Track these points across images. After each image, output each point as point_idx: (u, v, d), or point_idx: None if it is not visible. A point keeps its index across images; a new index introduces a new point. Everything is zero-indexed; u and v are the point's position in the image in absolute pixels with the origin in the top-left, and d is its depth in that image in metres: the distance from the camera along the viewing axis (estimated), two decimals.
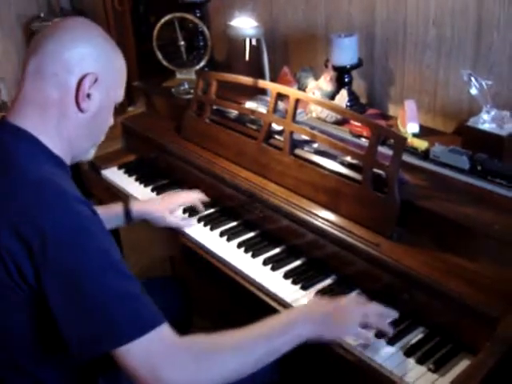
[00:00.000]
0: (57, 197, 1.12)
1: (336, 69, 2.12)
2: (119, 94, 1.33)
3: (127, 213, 1.82)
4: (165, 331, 1.12)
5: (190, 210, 1.94)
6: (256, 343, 1.20)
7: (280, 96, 1.87)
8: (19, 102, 1.23)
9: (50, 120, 1.21)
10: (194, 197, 1.94)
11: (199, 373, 1.12)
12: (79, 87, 1.20)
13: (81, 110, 1.23)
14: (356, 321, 1.31)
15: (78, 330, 1.09)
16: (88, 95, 1.22)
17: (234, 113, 2.10)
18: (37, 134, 1.21)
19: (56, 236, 1.07)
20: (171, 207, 1.87)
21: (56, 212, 1.10)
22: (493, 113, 1.72)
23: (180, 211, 1.93)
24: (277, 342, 1.22)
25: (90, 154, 1.39)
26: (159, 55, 2.61)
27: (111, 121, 1.36)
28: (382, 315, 1.35)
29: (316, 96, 2.10)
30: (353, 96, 2.13)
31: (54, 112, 1.21)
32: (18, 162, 1.16)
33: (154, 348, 1.09)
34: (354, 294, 1.49)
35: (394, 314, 1.38)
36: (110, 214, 1.78)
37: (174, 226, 1.86)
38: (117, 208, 1.82)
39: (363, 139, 1.86)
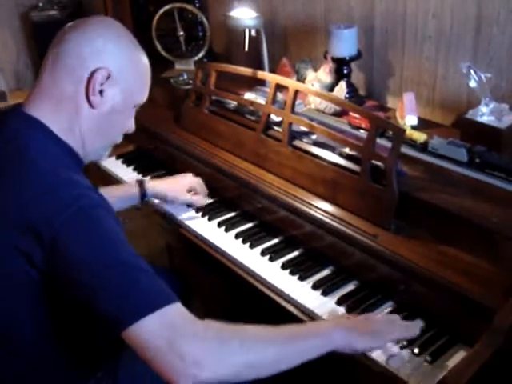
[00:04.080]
0: (65, 187, 1.11)
1: (335, 60, 2.12)
2: (139, 98, 1.32)
3: (143, 194, 1.85)
4: (182, 308, 1.10)
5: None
6: (286, 339, 1.15)
7: (279, 87, 1.87)
8: (36, 92, 1.23)
9: (64, 113, 1.21)
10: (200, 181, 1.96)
11: (220, 349, 1.06)
12: (90, 80, 1.20)
13: (91, 105, 1.22)
14: (382, 331, 1.27)
15: (99, 310, 1.06)
16: (101, 92, 1.21)
17: (232, 104, 2.10)
18: (50, 124, 1.20)
19: (64, 221, 1.07)
20: (184, 187, 1.90)
21: (64, 199, 1.09)
22: (491, 105, 1.72)
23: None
24: (307, 343, 1.18)
25: (103, 156, 1.38)
26: (158, 45, 2.60)
27: (130, 125, 1.35)
28: (408, 327, 1.31)
29: (315, 87, 2.10)
30: (352, 88, 2.13)
31: (68, 105, 1.21)
32: (30, 152, 1.15)
33: (173, 320, 1.06)
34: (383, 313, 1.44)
35: (419, 324, 1.33)
36: (125, 194, 1.82)
37: (188, 203, 1.90)
38: (132, 189, 1.84)
39: (362, 131, 1.86)
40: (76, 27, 1.23)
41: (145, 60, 1.32)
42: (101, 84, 1.21)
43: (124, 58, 1.24)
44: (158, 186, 1.89)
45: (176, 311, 1.08)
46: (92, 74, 1.19)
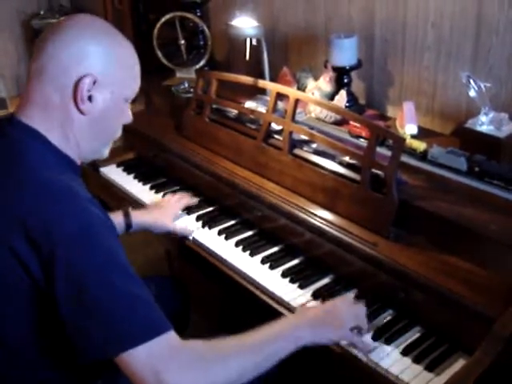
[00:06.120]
0: (66, 197, 1.11)
1: (335, 69, 2.13)
2: (129, 92, 1.29)
3: (128, 224, 1.78)
4: (172, 337, 1.11)
5: (187, 209, 1.95)
6: (258, 347, 1.20)
7: (279, 96, 1.87)
8: (26, 101, 1.21)
9: (55, 122, 1.20)
10: (185, 201, 1.95)
11: (204, 377, 1.10)
12: (76, 90, 1.17)
13: (82, 112, 1.20)
14: (349, 323, 1.33)
15: (86, 332, 1.07)
16: (89, 97, 1.19)
17: (233, 112, 2.10)
18: (45, 133, 1.20)
19: (65, 236, 1.06)
20: (171, 216, 1.86)
21: (65, 212, 1.09)
22: (491, 115, 1.73)
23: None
24: (277, 347, 1.22)
25: (104, 153, 1.37)
26: (159, 54, 2.61)
27: (128, 117, 1.34)
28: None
29: (315, 96, 2.11)
30: (352, 97, 2.15)
31: (57, 115, 1.20)
32: (27, 161, 1.15)
33: (160, 352, 1.07)
34: (344, 296, 1.49)
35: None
36: None
37: (178, 233, 1.83)
38: (117, 218, 1.75)
39: (362, 140, 1.87)
40: (53, 34, 1.19)
41: (129, 51, 1.28)
42: (88, 90, 1.18)
43: (107, 58, 1.21)
44: (145, 218, 1.83)
45: (165, 342, 1.09)
46: (77, 83, 1.17)
